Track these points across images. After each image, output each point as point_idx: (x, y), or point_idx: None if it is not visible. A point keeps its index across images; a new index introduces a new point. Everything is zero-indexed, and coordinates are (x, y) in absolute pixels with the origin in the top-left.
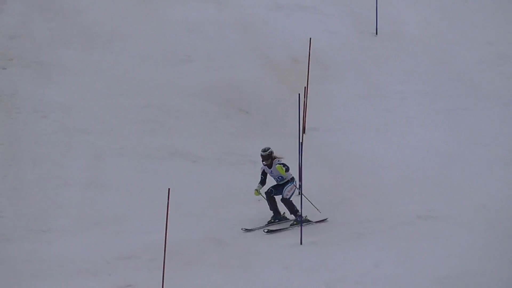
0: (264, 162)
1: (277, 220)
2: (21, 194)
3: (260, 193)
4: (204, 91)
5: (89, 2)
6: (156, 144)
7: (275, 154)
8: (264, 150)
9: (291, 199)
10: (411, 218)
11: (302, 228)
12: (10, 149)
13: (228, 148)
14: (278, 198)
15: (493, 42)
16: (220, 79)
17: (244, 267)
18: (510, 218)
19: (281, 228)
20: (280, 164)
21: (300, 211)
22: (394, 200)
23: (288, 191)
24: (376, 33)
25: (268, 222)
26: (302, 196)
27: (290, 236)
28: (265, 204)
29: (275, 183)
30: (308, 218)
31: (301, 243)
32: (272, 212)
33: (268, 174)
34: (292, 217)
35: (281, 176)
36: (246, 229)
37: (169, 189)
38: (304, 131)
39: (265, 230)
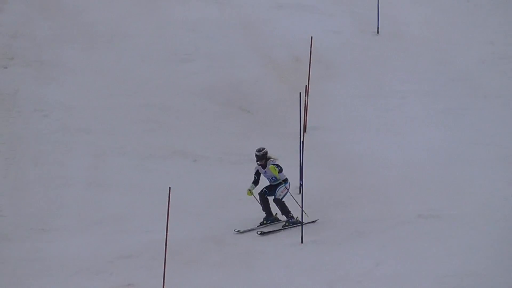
0: (258, 162)
1: (269, 222)
2: (22, 193)
3: (253, 193)
4: (205, 91)
5: (90, 1)
6: (157, 143)
7: (270, 154)
8: (259, 150)
9: (283, 200)
10: (412, 218)
11: (300, 227)
12: (11, 148)
13: (229, 147)
14: (271, 199)
15: (494, 42)
16: (221, 78)
17: (244, 266)
18: (511, 217)
19: (274, 230)
20: (274, 164)
21: (301, 210)
22: (395, 200)
23: (281, 192)
24: (378, 33)
25: (260, 223)
26: (293, 197)
27: (291, 235)
28: (258, 211)
29: (268, 183)
30: (299, 219)
31: (302, 242)
32: (264, 213)
33: (261, 174)
34: (284, 218)
35: (274, 177)
36: (238, 231)
37: (169, 187)
38: (305, 130)
39: (258, 232)
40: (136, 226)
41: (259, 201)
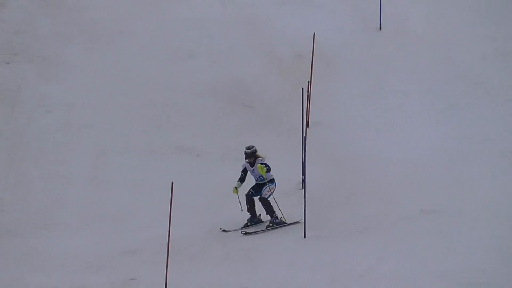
0: (247, 160)
1: (253, 223)
2: (24, 189)
3: (238, 192)
4: (208, 88)
5: None
6: (159, 140)
7: (258, 153)
8: (248, 148)
9: (269, 199)
10: (415, 214)
11: (271, 231)
12: (13, 144)
13: (231, 144)
14: (256, 200)
15: (496, 39)
16: (224, 75)
17: (247, 262)
18: None
19: (258, 230)
20: (262, 164)
21: (304, 207)
22: (397, 196)
23: (267, 191)
24: (380, 30)
25: (244, 224)
26: (275, 199)
27: (294, 231)
28: (259, 206)
29: (254, 182)
30: (284, 219)
31: (304, 238)
32: (249, 214)
33: (248, 172)
34: (268, 218)
35: (261, 176)
36: (223, 230)
37: (172, 182)
38: (307, 126)
39: (242, 232)
40: (139, 222)
41: (239, 200)
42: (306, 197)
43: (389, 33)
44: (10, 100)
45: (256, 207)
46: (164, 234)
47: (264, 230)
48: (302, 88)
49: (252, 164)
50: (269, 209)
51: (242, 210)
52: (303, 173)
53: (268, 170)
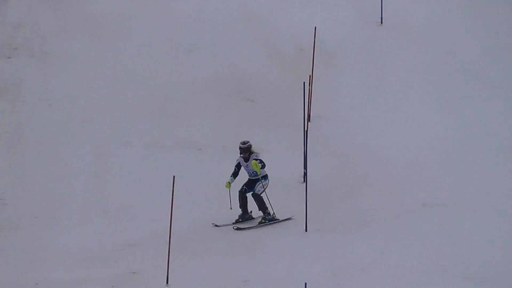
0: (241, 155)
1: (244, 219)
2: (26, 182)
3: (230, 187)
4: (209, 81)
5: None
6: (161, 133)
7: (253, 148)
8: (243, 143)
9: (262, 195)
10: (417, 206)
11: (271, 225)
12: (15, 138)
13: (233, 137)
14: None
15: (498, 33)
16: (226, 69)
17: (249, 255)
18: None
19: (250, 226)
20: (257, 160)
21: (305, 200)
22: (399, 189)
23: (261, 187)
24: (381, 23)
25: (236, 220)
26: (267, 195)
27: (295, 224)
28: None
29: (247, 178)
30: (275, 216)
31: (306, 231)
32: (240, 210)
33: (242, 167)
34: (259, 214)
35: (255, 172)
36: (215, 225)
37: (174, 176)
38: (309, 120)
39: (234, 228)
40: (140, 216)
41: (230, 197)
42: (307, 191)
43: (390, 27)
44: (12, 94)
45: (248, 204)
46: (166, 228)
47: (256, 226)
48: (304, 82)
49: (246, 159)
50: (262, 205)
51: (231, 208)
52: (305, 167)
53: (263, 166)
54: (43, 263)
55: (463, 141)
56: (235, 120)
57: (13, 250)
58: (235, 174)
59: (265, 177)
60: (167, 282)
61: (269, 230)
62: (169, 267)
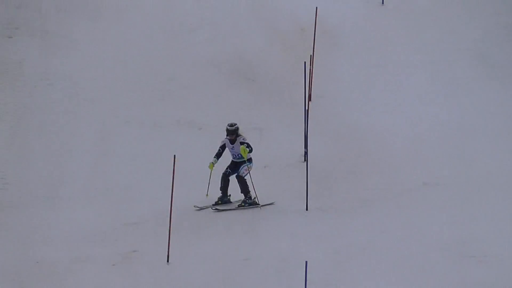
0: (228, 137)
1: (223, 202)
2: (27, 162)
3: (213, 168)
4: (211, 61)
5: None
6: (163, 113)
7: (240, 131)
8: (231, 125)
9: (245, 178)
10: (418, 186)
11: (251, 208)
12: (16, 117)
13: (234, 116)
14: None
15: (501, 13)
16: (227, 48)
17: (250, 233)
18: None
19: (229, 208)
20: (245, 143)
21: (306, 179)
22: (400, 169)
23: (245, 170)
24: (383, 3)
25: (215, 202)
26: (252, 180)
27: (295, 203)
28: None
29: (231, 160)
30: (257, 201)
31: (306, 210)
32: (220, 192)
33: (227, 149)
34: (240, 197)
35: (240, 154)
36: (196, 207)
37: (174, 155)
38: (310, 99)
39: (213, 209)
40: (141, 194)
41: (209, 180)
42: (308, 170)
43: (392, 7)
44: (13, 74)
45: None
46: (166, 207)
47: (235, 209)
48: (305, 62)
49: (232, 141)
50: (245, 188)
51: (207, 195)
52: (306, 146)
53: (250, 151)
54: (44, 242)
55: (464, 120)
56: (236, 99)
57: (14, 229)
58: (218, 155)
59: (249, 160)
60: (167, 261)
61: (269, 209)
62: (170, 246)
